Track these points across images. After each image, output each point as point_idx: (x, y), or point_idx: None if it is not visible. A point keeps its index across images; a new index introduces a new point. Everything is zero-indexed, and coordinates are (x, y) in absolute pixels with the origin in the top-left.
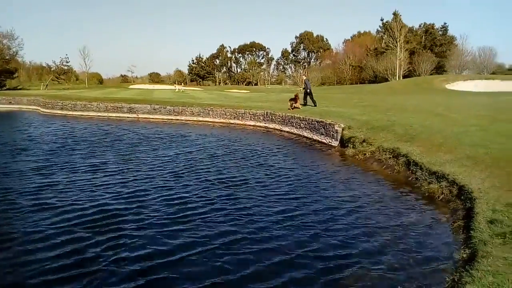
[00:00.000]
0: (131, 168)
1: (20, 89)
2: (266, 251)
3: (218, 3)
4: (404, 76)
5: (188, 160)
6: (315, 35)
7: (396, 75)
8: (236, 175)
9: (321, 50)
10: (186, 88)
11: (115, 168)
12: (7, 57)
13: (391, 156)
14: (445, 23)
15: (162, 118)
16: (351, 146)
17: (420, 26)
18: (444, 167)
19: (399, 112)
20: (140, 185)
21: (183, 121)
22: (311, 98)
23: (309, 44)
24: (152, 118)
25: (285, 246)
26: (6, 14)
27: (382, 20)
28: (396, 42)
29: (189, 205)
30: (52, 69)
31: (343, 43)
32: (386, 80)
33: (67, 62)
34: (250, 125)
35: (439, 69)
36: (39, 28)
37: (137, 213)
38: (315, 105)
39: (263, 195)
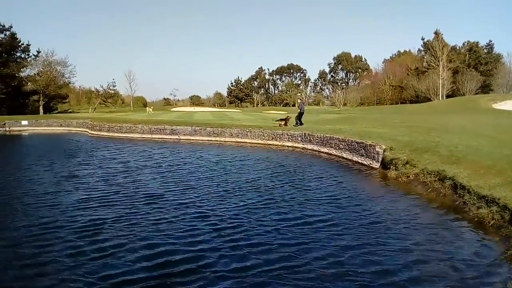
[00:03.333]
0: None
1: (70, 112)
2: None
3: (257, 26)
4: (448, 96)
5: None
6: (353, 55)
7: (439, 95)
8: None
9: (360, 70)
10: (221, 110)
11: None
12: (60, 83)
13: (436, 178)
14: (490, 41)
15: (203, 139)
16: (393, 168)
17: (463, 44)
18: (494, 191)
19: (443, 132)
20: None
21: (222, 142)
22: (299, 118)
23: (347, 65)
24: (193, 139)
25: (329, 271)
26: (59, 41)
27: (423, 39)
28: (439, 61)
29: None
30: (100, 93)
31: (382, 62)
32: (429, 100)
33: (113, 86)
34: (288, 145)
35: (485, 88)
36: (89, 54)
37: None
38: (300, 124)
39: (306, 221)
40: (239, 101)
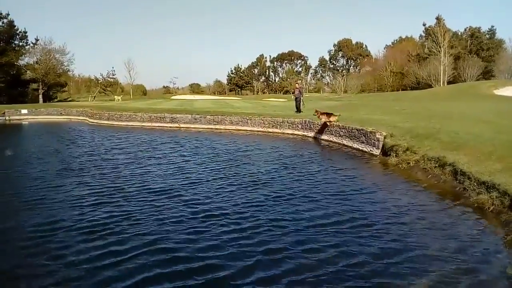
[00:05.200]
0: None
1: (70, 100)
2: (308, 259)
3: (257, 13)
4: (449, 82)
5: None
6: (354, 42)
7: (440, 81)
8: (282, 188)
9: (361, 57)
10: (221, 97)
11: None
12: (59, 71)
13: (436, 165)
14: (492, 26)
15: (203, 127)
16: (394, 154)
17: (465, 30)
18: (495, 177)
19: (444, 119)
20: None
21: (222, 130)
22: (298, 105)
23: (348, 51)
24: (193, 128)
25: (330, 257)
26: (59, 30)
27: (424, 25)
28: (440, 47)
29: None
30: (99, 82)
31: (383, 49)
32: (430, 86)
33: (113, 75)
34: (288, 133)
35: (487, 74)
36: (87, 42)
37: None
38: (299, 112)
39: (310, 208)
40: (239, 89)
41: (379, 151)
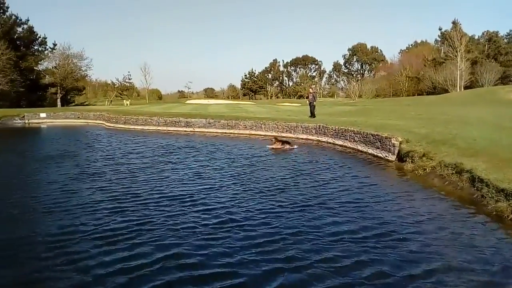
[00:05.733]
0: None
1: (86, 104)
2: (323, 269)
3: (270, 19)
4: (466, 87)
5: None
6: (368, 46)
7: (457, 86)
8: (298, 195)
9: (375, 62)
10: (235, 102)
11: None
12: (77, 76)
13: (453, 171)
14: (511, 30)
15: (217, 132)
16: (410, 160)
17: (482, 34)
18: None
19: (461, 125)
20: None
21: (236, 135)
22: (311, 110)
23: (363, 56)
24: (207, 132)
25: (344, 266)
26: (77, 35)
27: (440, 29)
28: (456, 51)
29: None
30: (116, 86)
31: (398, 53)
32: (446, 91)
33: (129, 79)
34: (302, 138)
35: (505, 79)
36: (105, 47)
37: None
38: (313, 117)
39: (325, 214)
40: (252, 93)
41: (395, 157)
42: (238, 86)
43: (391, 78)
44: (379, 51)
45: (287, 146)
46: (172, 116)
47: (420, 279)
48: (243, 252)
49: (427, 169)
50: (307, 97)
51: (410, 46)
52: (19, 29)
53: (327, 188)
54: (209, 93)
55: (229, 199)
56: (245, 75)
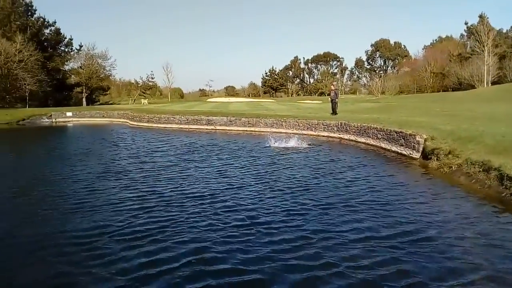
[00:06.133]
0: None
1: (111, 103)
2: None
3: (291, 16)
4: (493, 83)
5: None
6: (391, 42)
7: (484, 82)
8: (321, 195)
9: (399, 58)
10: (255, 100)
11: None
12: (101, 76)
13: (480, 169)
14: None
15: (238, 130)
16: (435, 158)
17: (511, 28)
18: None
19: (488, 121)
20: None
21: (256, 133)
22: (334, 107)
23: (386, 52)
24: (228, 130)
25: (369, 267)
26: (102, 36)
27: (466, 23)
28: (484, 46)
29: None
30: (139, 85)
31: (422, 49)
32: (473, 87)
33: (152, 78)
34: (323, 135)
35: None
36: (128, 47)
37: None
38: (334, 114)
39: (350, 216)
40: (273, 91)
41: (419, 154)
42: (259, 84)
43: (415, 74)
44: (402, 46)
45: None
46: (193, 115)
47: (449, 281)
48: (267, 252)
49: (453, 167)
50: (329, 94)
51: (435, 41)
52: (47, 31)
53: (350, 187)
54: (230, 91)
55: (253, 198)
56: (266, 73)
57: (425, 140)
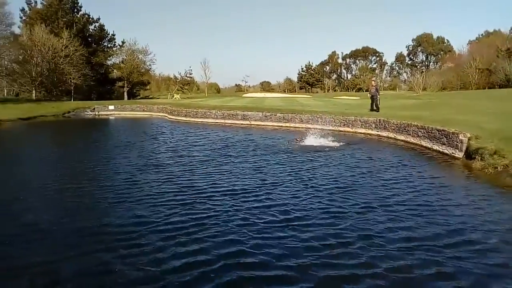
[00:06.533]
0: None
1: (150, 98)
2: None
3: (328, 9)
4: None
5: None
6: (434, 36)
7: None
8: (362, 195)
9: (442, 53)
10: (291, 95)
11: None
12: (142, 71)
13: None
14: None
15: (273, 125)
16: (479, 158)
17: None
18: None
19: None
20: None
21: (292, 128)
22: (376, 103)
23: (428, 47)
24: (263, 125)
25: (413, 277)
26: (141, 32)
27: None
28: None
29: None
30: (177, 80)
31: (467, 44)
32: None
33: (190, 74)
34: (360, 132)
35: None
36: (168, 43)
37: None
38: (374, 110)
39: (388, 217)
40: (309, 87)
41: (462, 154)
42: (295, 79)
43: (459, 70)
44: (446, 41)
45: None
46: (229, 110)
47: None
48: (303, 254)
49: (499, 168)
50: (369, 90)
51: (481, 36)
52: (91, 27)
53: (390, 188)
54: (265, 86)
55: (288, 195)
56: (302, 68)
57: (469, 139)
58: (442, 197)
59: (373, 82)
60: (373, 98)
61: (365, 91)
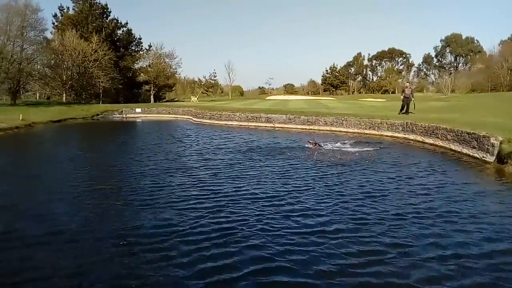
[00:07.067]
0: None
1: (176, 100)
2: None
3: (355, 12)
4: None
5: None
6: (463, 37)
7: None
8: (392, 203)
9: (472, 53)
10: (315, 98)
11: None
12: (168, 74)
13: None
14: None
15: (296, 128)
16: None
17: None
18: None
19: None
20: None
21: (316, 131)
22: (409, 107)
23: (457, 47)
24: (287, 127)
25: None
26: (167, 34)
27: None
28: None
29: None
30: (202, 83)
31: (498, 44)
32: None
33: (214, 77)
34: (387, 136)
35: None
36: (193, 46)
37: None
38: (404, 113)
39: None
40: (333, 89)
41: (494, 158)
42: (319, 81)
43: (489, 71)
44: (475, 41)
45: (318, 146)
46: (253, 112)
47: None
48: (333, 264)
49: None
50: (403, 93)
51: None
52: (119, 32)
53: (420, 194)
54: (289, 89)
55: (318, 202)
56: (326, 70)
57: (501, 142)
58: (475, 204)
59: (407, 84)
60: (406, 101)
61: (391, 93)
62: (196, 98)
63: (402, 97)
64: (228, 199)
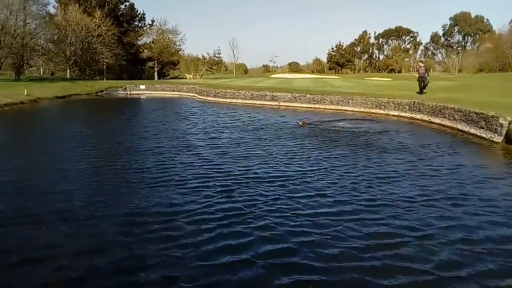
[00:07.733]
0: None
1: (180, 78)
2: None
3: None
4: None
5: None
6: (473, 15)
7: None
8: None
9: (480, 33)
10: (320, 76)
11: None
12: (172, 51)
13: None
14: None
15: (302, 106)
16: None
17: None
18: None
19: None
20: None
21: (321, 110)
22: (425, 84)
23: (466, 26)
24: (292, 106)
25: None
26: (172, 11)
27: None
28: None
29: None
30: (206, 61)
31: (509, 23)
32: None
33: (218, 54)
34: (393, 115)
35: None
36: (197, 23)
37: None
38: (419, 92)
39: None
40: (339, 67)
41: (502, 138)
42: (324, 60)
43: (498, 51)
44: (485, 20)
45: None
46: (258, 90)
47: None
48: (341, 246)
49: None
50: (418, 71)
51: None
52: (122, 6)
53: (429, 177)
54: (294, 67)
55: (327, 185)
56: (332, 48)
57: (510, 122)
58: (485, 186)
59: (421, 63)
60: (422, 79)
61: (397, 72)
62: (191, 75)
63: (417, 76)
64: (235, 180)
